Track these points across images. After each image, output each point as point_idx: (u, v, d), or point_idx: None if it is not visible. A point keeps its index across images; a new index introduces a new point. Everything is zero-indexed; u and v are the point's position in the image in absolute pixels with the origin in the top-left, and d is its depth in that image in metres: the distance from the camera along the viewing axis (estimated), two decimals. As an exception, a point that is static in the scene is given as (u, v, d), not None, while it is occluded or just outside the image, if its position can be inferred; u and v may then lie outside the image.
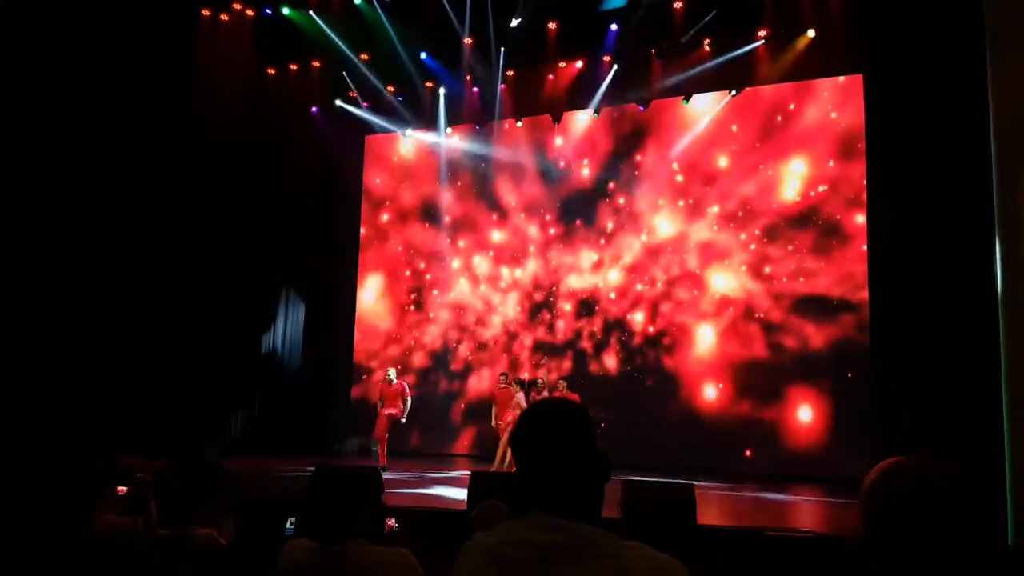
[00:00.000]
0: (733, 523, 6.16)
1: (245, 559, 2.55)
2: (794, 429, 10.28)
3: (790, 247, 10.62)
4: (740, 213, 10.98)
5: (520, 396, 9.73)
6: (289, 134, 12.31)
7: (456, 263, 12.89)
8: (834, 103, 10.52)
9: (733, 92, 10.99)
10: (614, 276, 11.76)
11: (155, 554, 1.74)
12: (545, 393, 9.84)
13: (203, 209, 11.10)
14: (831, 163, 10.48)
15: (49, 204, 9.66)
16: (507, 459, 9.69)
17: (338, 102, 12.60)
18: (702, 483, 9.27)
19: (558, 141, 12.31)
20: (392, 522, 3.61)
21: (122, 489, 3.60)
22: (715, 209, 11.14)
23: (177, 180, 10.75)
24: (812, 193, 10.58)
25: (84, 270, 9.89)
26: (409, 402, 10.30)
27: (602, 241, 11.91)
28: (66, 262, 9.73)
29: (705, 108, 11.28)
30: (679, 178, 11.47)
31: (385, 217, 13.43)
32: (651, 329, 11.38)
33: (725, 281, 10.98)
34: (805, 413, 10.25)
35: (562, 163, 12.28)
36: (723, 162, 11.19)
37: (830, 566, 3.93)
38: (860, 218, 10.01)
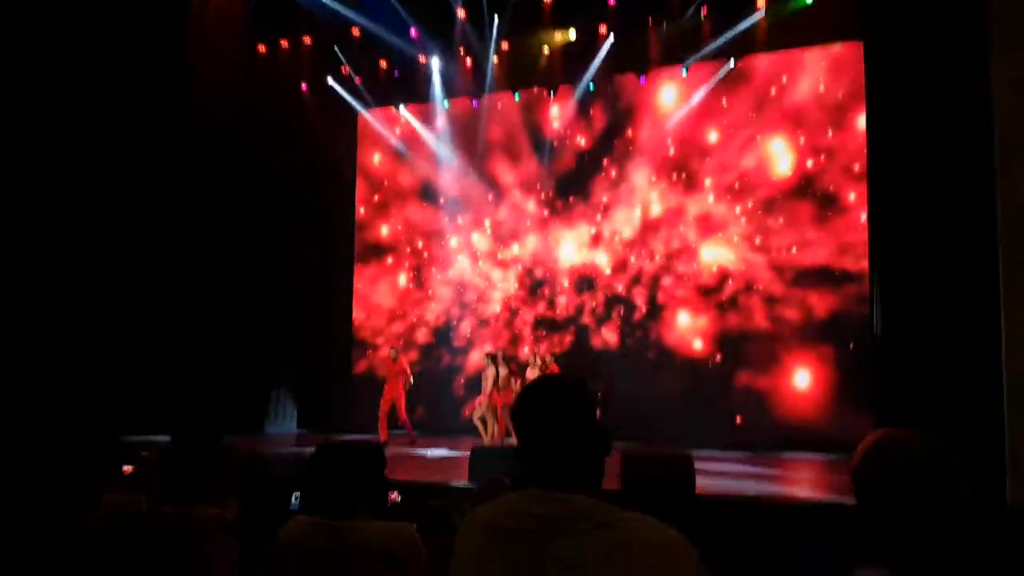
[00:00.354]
0: (732, 492, 6.23)
1: (251, 534, 2.59)
2: (794, 400, 10.36)
3: (788, 219, 10.62)
4: (737, 185, 10.97)
5: (490, 371, 9.76)
6: (282, 112, 12.24)
7: (454, 240, 12.87)
8: (830, 73, 10.47)
9: (731, 62, 10.90)
10: (612, 251, 11.76)
11: (161, 532, 1.77)
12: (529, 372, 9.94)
13: (199, 190, 11.06)
14: (829, 133, 10.44)
15: (47, 187, 9.61)
16: (492, 432, 9.83)
17: (330, 80, 12.51)
18: (702, 453, 9.34)
19: (554, 115, 12.22)
20: (395, 495, 3.66)
21: (127, 468, 3.64)
22: (712, 182, 11.12)
23: (172, 159, 10.70)
24: (809, 164, 10.56)
25: (84, 253, 9.86)
26: (410, 381, 10.42)
27: (599, 217, 11.89)
28: (67, 245, 9.70)
29: (701, 80, 11.20)
30: (673, 151, 11.42)
31: (378, 197, 13.38)
32: (650, 303, 11.39)
33: (723, 254, 10.98)
34: (805, 384, 10.32)
35: (557, 138, 12.21)
36: (719, 135, 11.15)
37: (827, 534, 3.99)
38: (858, 189, 9.99)
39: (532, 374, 9.64)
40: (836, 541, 2.64)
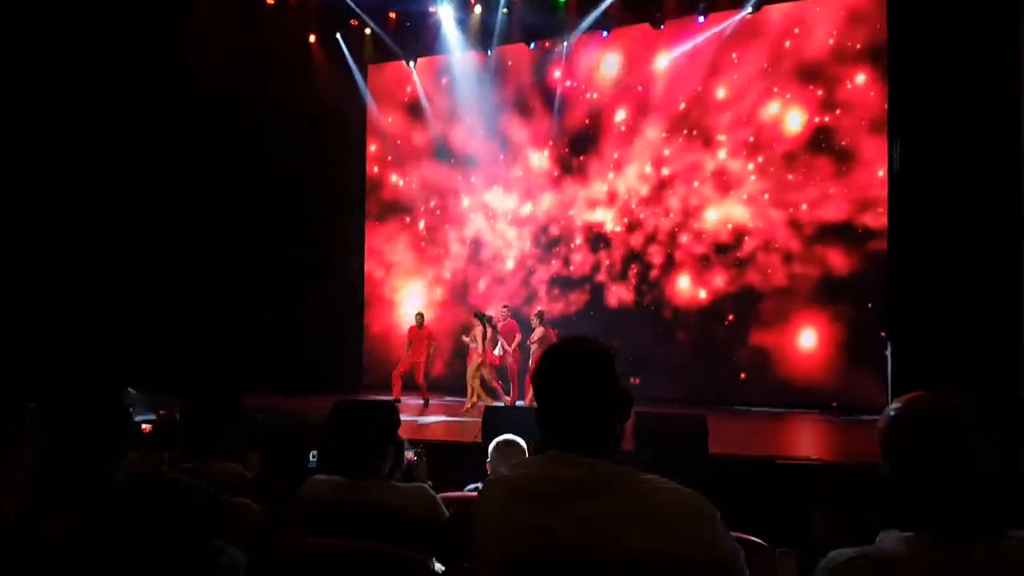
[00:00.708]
0: (744, 452, 6.25)
1: (271, 492, 2.62)
2: (809, 359, 10.31)
3: (805, 174, 10.46)
4: (752, 140, 10.80)
5: (477, 331, 9.81)
6: (289, 68, 12.07)
7: (468, 199, 12.80)
8: (847, 25, 10.22)
9: (748, 7, 10.64)
10: (627, 208, 11.66)
11: (183, 488, 1.78)
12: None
13: (211, 147, 11.02)
14: (849, 85, 10.22)
15: (63, 143, 9.59)
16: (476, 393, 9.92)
17: (338, 35, 12.34)
18: (715, 412, 9.36)
19: (566, 68, 12.02)
20: (411, 455, 3.69)
21: (146, 426, 3.68)
22: (727, 137, 10.96)
23: (183, 117, 10.64)
24: (826, 119, 10.36)
25: (100, 211, 9.89)
26: (433, 348, 10.50)
27: (611, 174, 11.77)
28: (83, 202, 9.73)
29: (715, 31, 10.96)
30: (688, 106, 11.22)
31: (390, 156, 13.29)
32: (666, 260, 11.32)
33: (739, 211, 10.87)
34: (819, 343, 10.25)
35: (570, 93, 12.04)
36: (734, 89, 10.94)
37: (840, 493, 4.00)
38: (877, 142, 9.81)
39: (537, 335, 9.57)
40: (855, 502, 2.64)
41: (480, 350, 9.77)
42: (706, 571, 1.24)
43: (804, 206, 10.43)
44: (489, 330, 9.87)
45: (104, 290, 9.77)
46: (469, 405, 9.66)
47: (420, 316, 10.70)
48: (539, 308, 10.39)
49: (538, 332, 9.55)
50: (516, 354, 10.01)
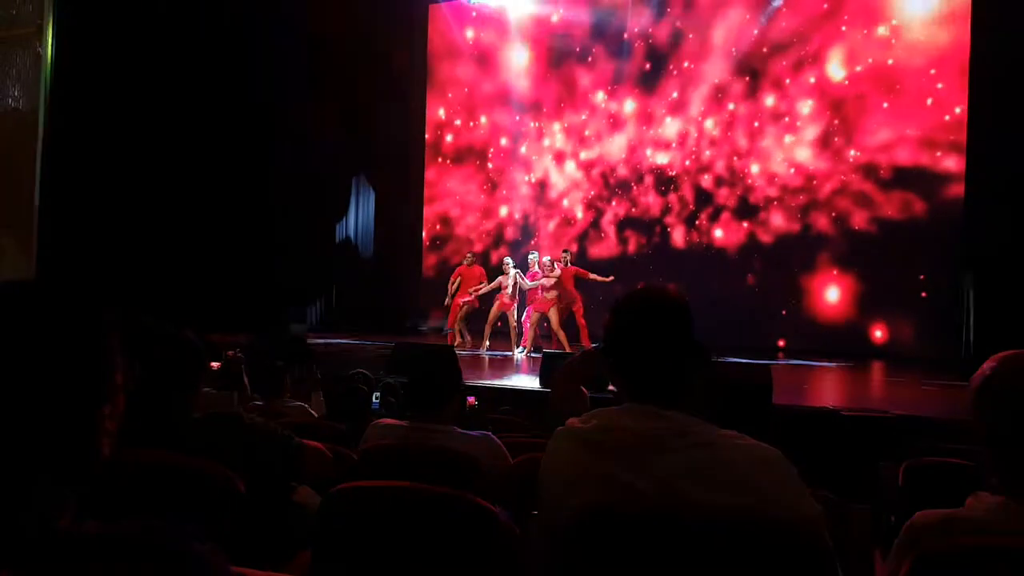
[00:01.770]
0: (807, 403, 6.14)
1: (337, 432, 2.68)
2: (874, 310, 9.99)
3: (875, 118, 9.99)
4: (813, 79, 10.36)
5: (510, 279, 9.54)
6: (349, 14, 11.97)
7: (533, 140, 12.62)
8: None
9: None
10: (693, 150, 11.33)
11: (258, 424, 1.82)
12: (537, 271, 9.55)
13: (271, 101, 11.11)
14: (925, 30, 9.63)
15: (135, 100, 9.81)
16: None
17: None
18: (779, 361, 9.19)
19: (631, 11, 11.64)
20: (472, 400, 3.73)
21: (215, 364, 3.78)
22: (793, 80, 10.52)
23: (243, 70, 10.73)
24: (895, 60, 9.80)
25: (168, 160, 10.13)
26: (483, 287, 9.98)
27: (676, 118, 11.43)
28: (152, 152, 9.98)
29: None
30: (754, 47, 10.77)
31: (452, 94, 13.16)
32: (739, 203, 10.98)
33: (806, 153, 10.46)
34: (888, 294, 9.88)
35: (636, 36, 11.67)
36: (799, 30, 10.45)
37: (907, 447, 3.89)
38: (956, 83, 9.27)
39: (549, 282, 9.25)
40: (928, 458, 2.56)
41: (507, 297, 9.64)
42: (788, 528, 1.21)
43: (873, 149, 10.00)
44: (517, 277, 9.70)
45: (169, 228, 10.05)
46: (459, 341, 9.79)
47: (469, 256, 10.61)
48: (565, 250, 10.14)
49: (550, 279, 9.23)
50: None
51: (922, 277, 9.65)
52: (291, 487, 1.95)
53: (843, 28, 10.18)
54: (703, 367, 1.42)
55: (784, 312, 10.54)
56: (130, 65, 9.76)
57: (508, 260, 9.86)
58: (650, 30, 11.59)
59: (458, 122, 13.19)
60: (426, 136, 13.29)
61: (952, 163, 9.46)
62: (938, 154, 9.59)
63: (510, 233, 12.78)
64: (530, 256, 9.98)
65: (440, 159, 13.32)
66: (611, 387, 1.47)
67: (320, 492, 1.80)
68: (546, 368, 6.59)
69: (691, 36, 11.26)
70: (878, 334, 9.95)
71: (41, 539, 0.69)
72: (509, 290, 9.61)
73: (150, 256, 9.72)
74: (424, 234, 13.30)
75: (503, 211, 12.89)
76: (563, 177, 12.41)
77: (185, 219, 10.22)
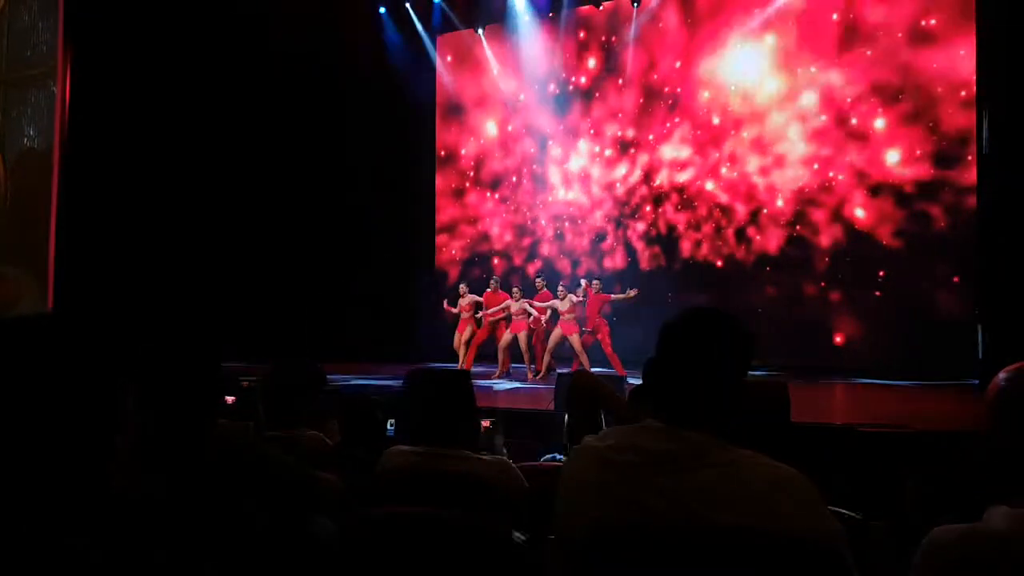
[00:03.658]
0: (824, 420, 6.07)
1: (353, 460, 2.67)
2: (892, 320, 9.86)
3: (883, 131, 9.99)
4: (818, 93, 10.38)
5: (523, 303, 9.65)
6: (359, 38, 12.14)
7: (541, 164, 12.69)
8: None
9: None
10: (710, 165, 11.34)
11: (272, 455, 1.83)
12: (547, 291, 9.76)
13: (283, 128, 11.27)
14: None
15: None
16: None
17: (407, 4, 12.37)
18: (801, 378, 9.10)
19: (637, 26, 11.75)
20: (487, 423, 3.72)
21: (230, 399, 3.80)
22: (817, 84, 10.52)
23: (266, 89, 10.90)
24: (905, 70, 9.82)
25: (180, 185, 10.26)
26: (507, 307, 10.00)
27: (686, 132, 11.47)
28: (165, 187, 10.12)
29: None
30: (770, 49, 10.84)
31: (462, 122, 13.30)
32: (751, 216, 10.98)
33: (829, 162, 10.41)
34: (907, 303, 9.77)
35: (639, 51, 11.78)
36: (804, 50, 10.52)
37: (931, 463, 3.84)
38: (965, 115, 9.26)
39: (563, 306, 9.35)
40: (948, 473, 2.52)
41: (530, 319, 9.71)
42: (807, 548, 1.19)
43: (885, 162, 9.98)
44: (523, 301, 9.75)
45: (182, 262, 10.15)
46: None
47: (494, 281, 10.63)
48: (585, 277, 10.22)
49: (567, 303, 9.33)
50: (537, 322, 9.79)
51: (936, 290, 9.58)
52: (305, 518, 1.95)
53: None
54: (738, 405, 1.39)
55: (792, 328, 10.44)
56: (144, 102, 9.93)
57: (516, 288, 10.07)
58: (654, 46, 11.70)
59: (470, 144, 13.30)
60: (435, 162, 13.43)
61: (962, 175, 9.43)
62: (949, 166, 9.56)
63: (520, 258, 12.82)
64: (537, 280, 10.08)
65: (448, 182, 13.43)
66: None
67: (335, 521, 1.80)
68: (559, 390, 6.55)
69: (699, 48, 11.35)
70: (889, 347, 9.82)
71: (52, 568, 0.70)
72: (515, 313, 9.67)
73: (165, 288, 9.81)
74: (435, 256, 13.36)
75: (512, 233, 12.94)
76: (573, 196, 12.47)
77: (199, 252, 10.33)
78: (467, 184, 13.36)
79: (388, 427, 3.81)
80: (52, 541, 0.74)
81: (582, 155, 12.38)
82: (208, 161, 10.55)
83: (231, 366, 7.16)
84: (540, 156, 12.71)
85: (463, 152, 13.37)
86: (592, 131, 12.26)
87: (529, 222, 12.87)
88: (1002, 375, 1.34)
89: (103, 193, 9.68)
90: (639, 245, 11.92)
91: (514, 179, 12.97)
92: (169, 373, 1.76)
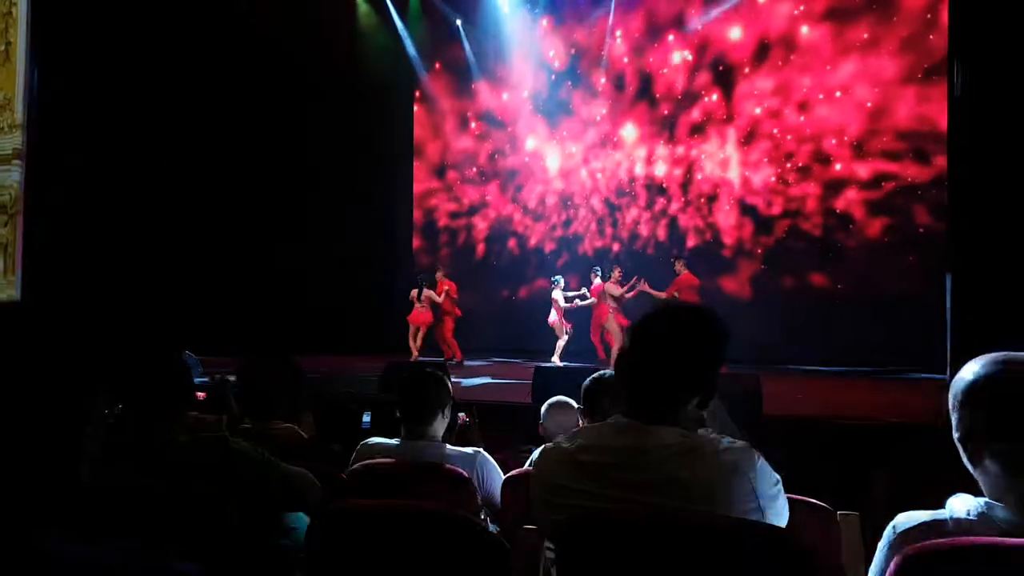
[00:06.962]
0: (799, 412, 6.14)
1: (328, 452, 2.67)
2: (858, 312, 9.94)
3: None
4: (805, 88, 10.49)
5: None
6: (335, 30, 12.01)
7: (518, 157, 12.67)
8: None
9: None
10: (682, 162, 11.43)
11: (245, 448, 1.82)
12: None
13: (257, 118, 11.15)
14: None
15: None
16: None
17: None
18: (767, 371, 9.16)
19: (613, 25, 11.77)
20: (464, 416, 3.72)
21: (201, 394, 3.74)
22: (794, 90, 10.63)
23: (240, 81, 10.77)
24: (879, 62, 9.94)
25: (148, 181, 10.14)
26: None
27: (667, 128, 11.52)
28: (133, 174, 9.98)
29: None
30: (737, 59, 10.91)
31: (439, 116, 13.23)
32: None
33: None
34: (877, 299, 9.88)
35: (619, 49, 11.80)
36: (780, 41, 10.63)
37: (902, 454, 3.91)
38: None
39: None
40: (917, 463, 2.57)
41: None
42: (761, 533, 1.23)
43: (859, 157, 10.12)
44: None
45: (154, 256, 10.03)
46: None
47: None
48: (597, 270, 10.39)
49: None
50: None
51: (905, 281, 9.72)
52: (279, 511, 1.94)
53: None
54: (706, 405, 1.40)
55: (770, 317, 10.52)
56: (111, 94, 9.79)
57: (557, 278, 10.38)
58: (636, 44, 11.72)
59: (449, 138, 13.25)
60: (413, 153, 13.35)
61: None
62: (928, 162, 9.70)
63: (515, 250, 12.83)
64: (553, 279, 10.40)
65: (427, 176, 13.37)
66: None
67: (310, 514, 1.80)
68: (538, 384, 6.55)
69: (683, 47, 11.37)
70: (861, 339, 9.92)
71: (25, 560, 0.70)
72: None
73: (136, 280, 9.69)
74: (413, 247, 13.33)
75: (489, 230, 12.93)
76: (553, 192, 12.50)
77: (169, 243, 10.21)
78: (446, 174, 13.28)
79: (364, 419, 3.81)
80: (22, 533, 0.74)
81: (565, 143, 12.36)
82: (181, 149, 10.42)
83: (204, 359, 7.09)
84: (517, 145, 12.67)
85: (439, 142, 13.30)
86: (575, 117, 12.23)
87: (510, 212, 12.87)
88: (967, 367, 1.37)
89: (72, 185, 9.53)
90: (619, 241, 11.98)
91: (487, 170, 12.93)
92: (138, 365, 1.75)
